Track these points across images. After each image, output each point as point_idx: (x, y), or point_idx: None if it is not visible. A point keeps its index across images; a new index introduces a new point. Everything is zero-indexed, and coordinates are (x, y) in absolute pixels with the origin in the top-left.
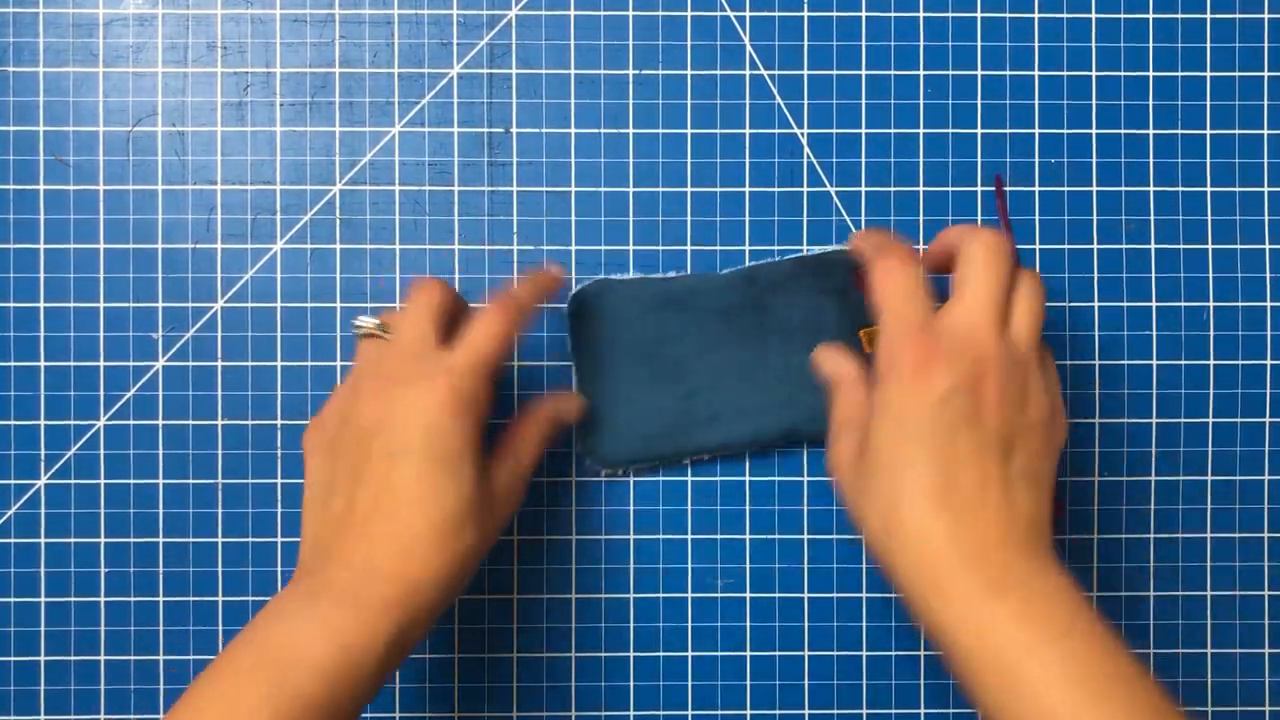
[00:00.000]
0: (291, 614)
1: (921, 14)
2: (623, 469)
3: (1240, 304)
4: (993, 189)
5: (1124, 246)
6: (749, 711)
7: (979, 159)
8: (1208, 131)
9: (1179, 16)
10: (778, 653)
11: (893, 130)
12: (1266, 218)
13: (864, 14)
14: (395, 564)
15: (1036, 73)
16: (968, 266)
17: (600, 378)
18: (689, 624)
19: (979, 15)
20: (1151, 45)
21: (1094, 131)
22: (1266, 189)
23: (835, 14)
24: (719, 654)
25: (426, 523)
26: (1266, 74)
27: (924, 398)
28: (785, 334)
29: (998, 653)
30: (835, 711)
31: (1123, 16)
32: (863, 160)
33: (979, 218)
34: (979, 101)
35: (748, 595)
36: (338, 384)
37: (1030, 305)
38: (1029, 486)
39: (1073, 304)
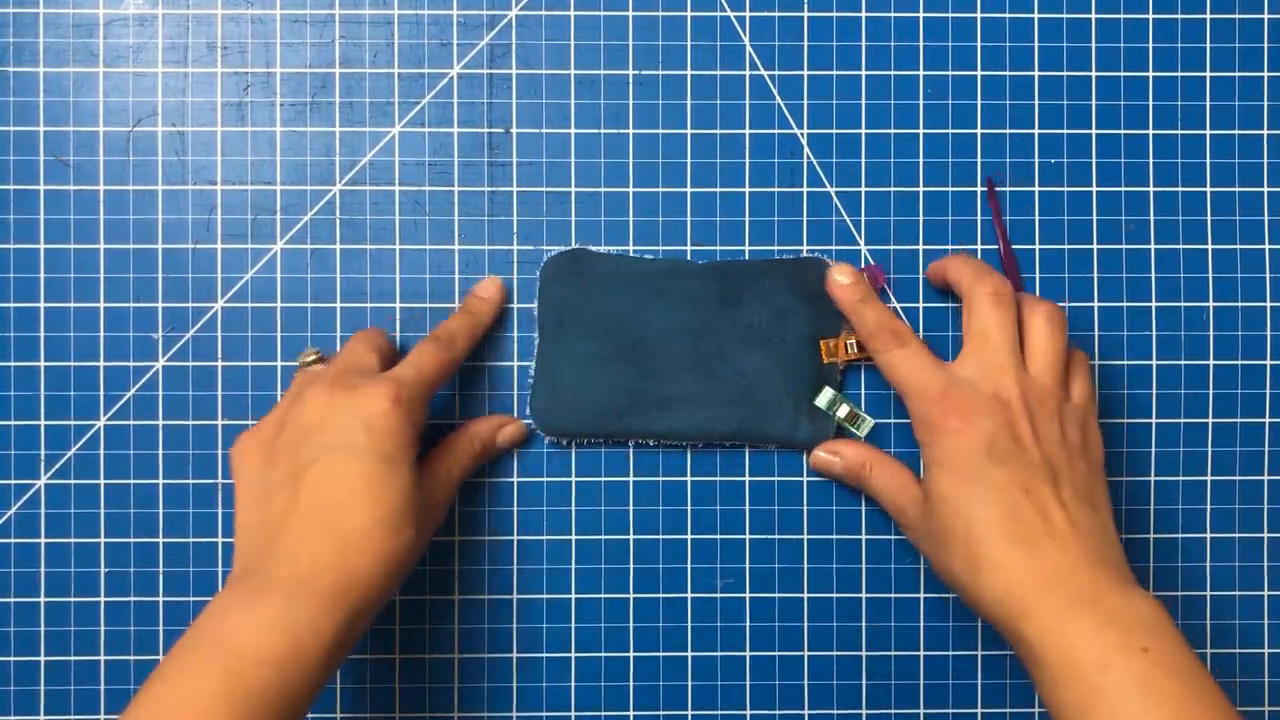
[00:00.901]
0: (241, 609)
1: (921, 14)
2: (568, 440)
3: (1240, 304)
4: (986, 189)
5: (1124, 246)
6: (749, 711)
7: (979, 159)
8: (1207, 132)
9: (1179, 17)
10: (777, 653)
11: (893, 130)
12: (1266, 218)
13: (864, 14)
14: (340, 557)
15: (1036, 73)
16: (975, 316)
17: (561, 346)
18: (689, 624)
19: (979, 15)
20: (1151, 45)
21: (1094, 131)
22: (1266, 189)
23: (835, 14)
24: (719, 654)
25: (370, 517)
26: (1266, 74)
27: (970, 445)
28: (750, 331)
29: (1078, 665)
30: (834, 712)
31: (1123, 16)
32: (863, 160)
33: (978, 218)
34: (979, 101)
35: (748, 595)
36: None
37: (1044, 340)
38: (1085, 508)
39: (1072, 304)
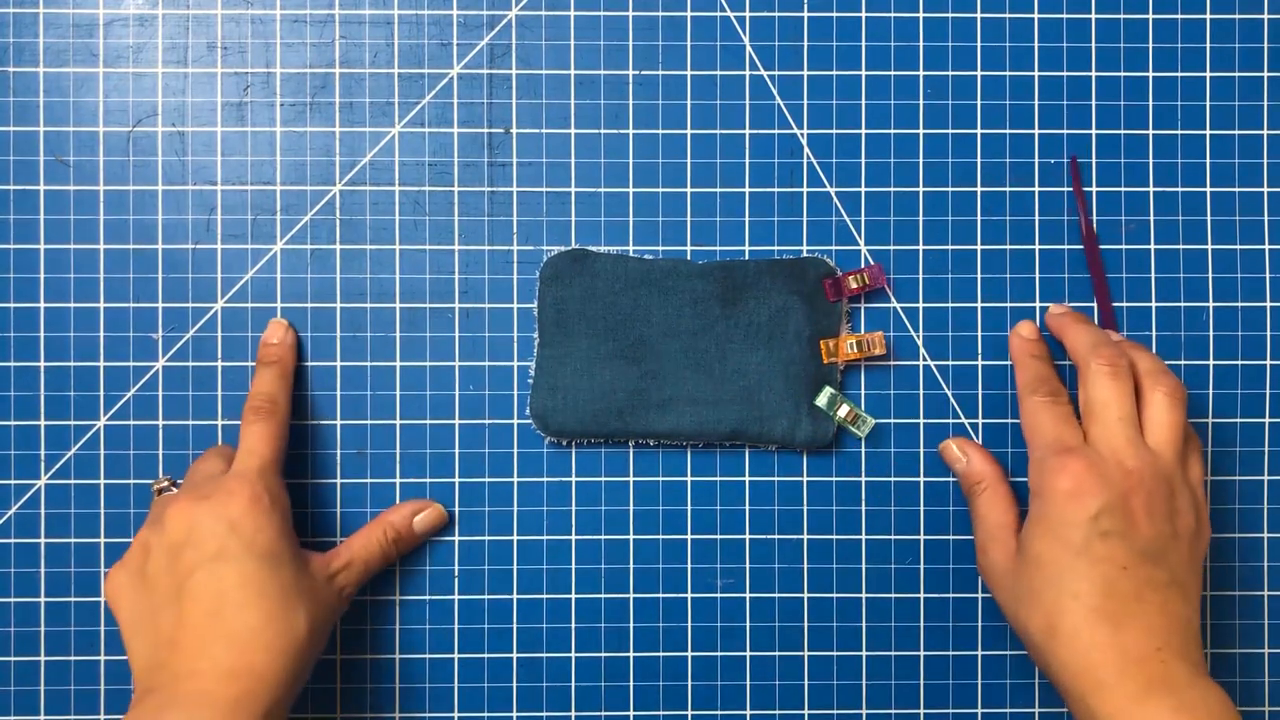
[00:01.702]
0: None
1: (921, 14)
2: (568, 440)
3: (1240, 304)
4: (1069, 185)
5: (1124, 247)
6: (749, 711)
7: (979, 159)
8: (1207, 132)
9: (1179, 17)
10: (777, 653)
11: (893, 130)
12: (1266, 218)
13: (864, 14)
14: (239, 659)
15: (1036, 73)
16: (1092, 388)
17: (561, 346)
18: (689, 624)
19: (979, 15)
20: (1151, 45)
21: (1094, 132)
22: (1266, 189)
23: (835, 14)
24: (719, 654)
25: (259, 614)
26: (1266, 74)
27: (1079, 514)
28: (750, 330)
29: None
30: (835, 711)
31: (1123, 16)
32: (863, 160)
33: (978, 218)
34: (979, 101)
35: (748, 595)
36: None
37: (1165, 416)
38: (1180, 596)
39: (1073, 305)
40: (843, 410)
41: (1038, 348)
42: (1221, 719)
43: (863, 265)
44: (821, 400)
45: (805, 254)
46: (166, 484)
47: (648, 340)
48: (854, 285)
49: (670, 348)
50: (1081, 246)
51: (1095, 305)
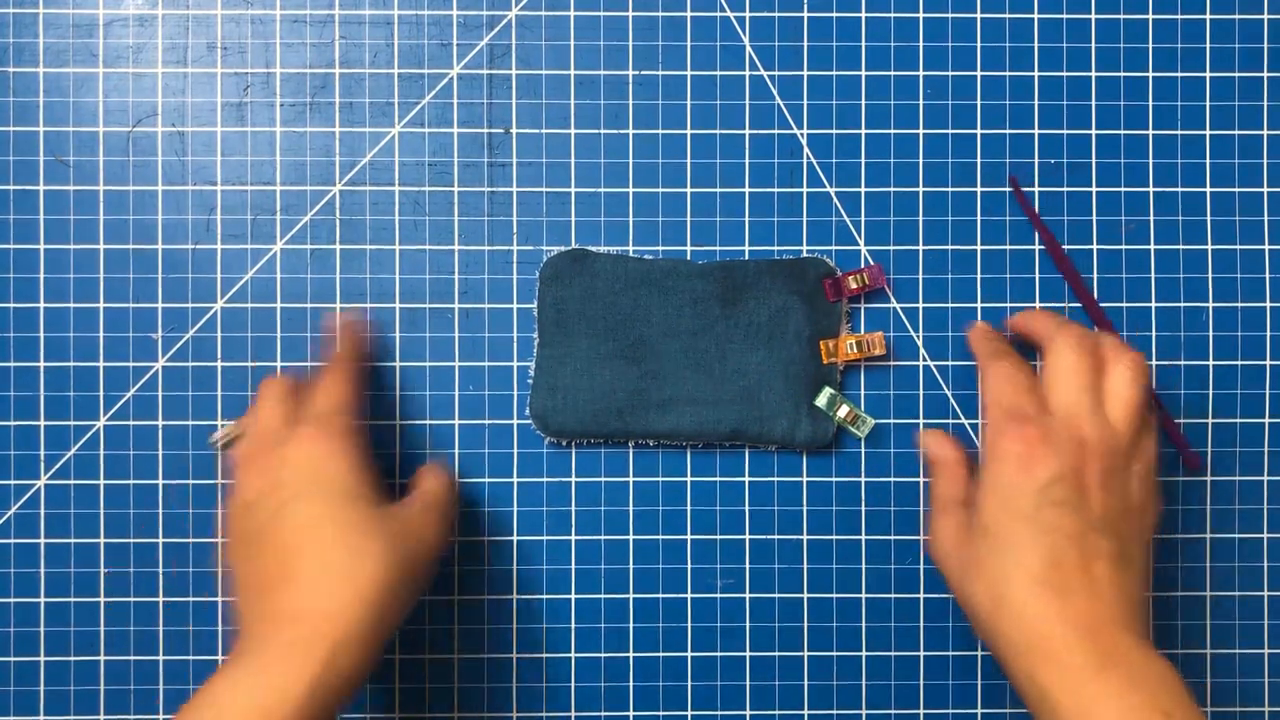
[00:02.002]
0: (217, 678)
1: (921, 14)
2: (568, 440)
3: (1240, 304)
4: (1010, 189)
5: (1124, 247)
6: (749, 711)
7: (979, 159)
8: (1207, 132)
9: (1179, 17)
10: (777, 653)
11: (893, 130)
12: (1266, 218)
13: (864, 14)
14: (305, 600)
15: (1036, 73)
16: (1056, 359)
17: (561, 346)
18: (689, 624)
19: (979, 15)
20: (1151, 45)
21: (1094, 132)
22: (1266, 189)
23: (835, 14)
24: (719, 654)
25: (339, 549)
26: (1266, 74)
27: (1029, 482)
28: (749, 331)
29: None
30: (834, 712)
31: (1122, 17)
32: (862, 160)
33: (978, 218)
34: (979, 102)
35: (747, 595)
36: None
37: (1126, 391)
38: (1128, 568)
39: (1073, 305)
40: (842, 410)
41: (996, 333)
42: (1173, 693)
43: (863, 265)
44: (821, 400)
45: (805, 254)
46: (231, 435)
47: (648, 340)
48: (854, 285)
49: (670, 348)
50: (1087, 246)
51: (1083, 308)
